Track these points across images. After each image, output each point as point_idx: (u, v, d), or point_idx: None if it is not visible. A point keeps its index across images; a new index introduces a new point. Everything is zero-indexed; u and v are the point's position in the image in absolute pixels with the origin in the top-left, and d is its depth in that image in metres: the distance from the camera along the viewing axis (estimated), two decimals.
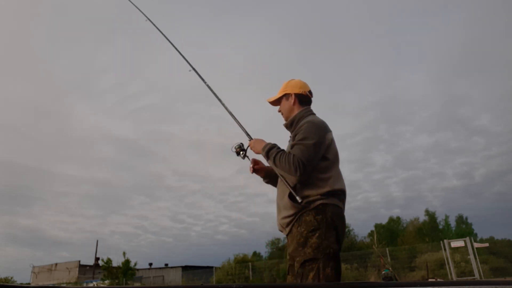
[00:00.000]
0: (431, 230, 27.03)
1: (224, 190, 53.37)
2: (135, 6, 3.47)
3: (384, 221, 31.31)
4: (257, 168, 2.33)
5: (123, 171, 61.66)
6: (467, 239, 13.98)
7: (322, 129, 2.09)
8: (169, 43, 3.06)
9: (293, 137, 2.15)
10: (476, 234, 26.50)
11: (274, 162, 2.05)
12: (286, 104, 2.30)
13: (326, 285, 1.77)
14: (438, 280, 11.81)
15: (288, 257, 2.10)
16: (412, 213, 53.34)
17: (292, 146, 2.05)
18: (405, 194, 44.16)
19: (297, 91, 2.29)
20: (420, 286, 1.43)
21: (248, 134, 2.35)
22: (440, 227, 28.39)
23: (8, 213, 50.31)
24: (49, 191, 56.40)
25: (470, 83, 52.60)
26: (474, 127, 45.36)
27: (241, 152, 2.32)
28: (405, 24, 59.00)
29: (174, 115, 64.00)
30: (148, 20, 3.29)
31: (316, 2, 59.98)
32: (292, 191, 2.00)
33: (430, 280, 11.83)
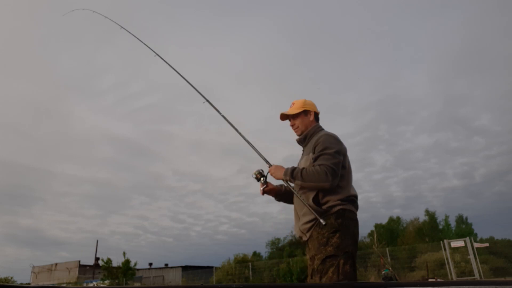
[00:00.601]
0: (431, 230, 26.99)
1: (224, 190, 53.42)
2: (144, 44, 3.57)
3: (384, 221, 31.28)
4: (267, 189, 2.46)
5: (123, 171, 61.66)
6: (467, 239, 13.98)
7: (339, 140, 2.28)
8: (180, 77, 3.12)
9: (312, 149, 2.28)
10: (476, 234, 26.51)
11: (302, 178, 2.17)
12: (305, 119, 2.46)
13: (326, 285, 1.77)
14: (438, 280, 11.81)
15: (309, 262, 2.23)
16: (412, 213, 53.40)
17: (315, 159, 2.20)
18: (405, 194, 44.18)
19: (314, 109, 2.50)
20: (420, 286, 1.43)
21: (267, 161, 2.45)
22: (440, 227, 28.35)
23: (8, 213, 50.37)
24: (49, 191, 56.46)
25: (470, 82, 52.56)
26: (474, 127, 45.38)
27: (262, 178, 2.42)
28: (405, 24, 59.01)
29: (174, 115, 64.00)
30: (157, 56, 3.40)
31: (316, 2, 60.02)
32: (308, 207, 2.16)
33: (430, 280, 11.83)
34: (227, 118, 2.70)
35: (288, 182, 2.29)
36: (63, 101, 61.50)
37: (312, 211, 2.12)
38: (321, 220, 2.07)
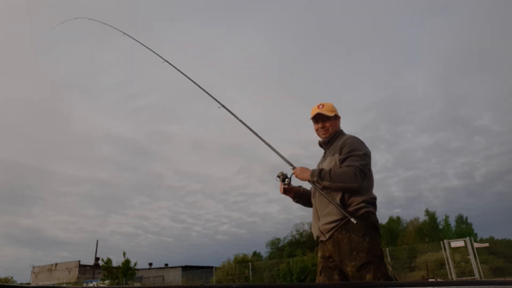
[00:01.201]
0: (431, 230, 26.97)
1: (225, 190, 53.40)
2: (152, 51, 3.58)
3: (384, 221, 31.23)
4: (288, 188, 2.46)
5: (123, 171, 61.65)
6: (467, 239, 13.98)
7: (364, 143, 2.33)
8: (193, 83, 3.12)
9: (338, 150, 2.30)
10: (476, 234, 26.47)
11: (331, 179, 2.18)
12: (335, 124, 2.51)
13: (325, 285, 1.77)
14: (438, 280, 11.80)
15: (320, 259, 2.27)
16: (412, 213, 53.44)
17: (343, 160, 2.23)
18: (405, 194, 44.19)
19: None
20: (420, 286, 1.43)
21: (290, 163, 2.46)
22: (440, 227, 28.35)
23: (8, 213, 50.34)
24: (49, 191, 56.44)
25: (471, 82, 52.62)
26: (475, 126, 45.42)
27: (286, 180, 2.42)
28: (405, 24, 59.01)
29: (174, 115, 64.01)
30: (165, 62, 3.39)
31: (316, 2, 60.01)
32: (337, 207, 2.16)
33: (430, 280, 11.82)
34: (244, 121, 2.70)
35: (315, 183, 2.28)
36: (63, 101, 61.52)
37: (342, 210, 2.12)
38: (352, 219, 2.06)
